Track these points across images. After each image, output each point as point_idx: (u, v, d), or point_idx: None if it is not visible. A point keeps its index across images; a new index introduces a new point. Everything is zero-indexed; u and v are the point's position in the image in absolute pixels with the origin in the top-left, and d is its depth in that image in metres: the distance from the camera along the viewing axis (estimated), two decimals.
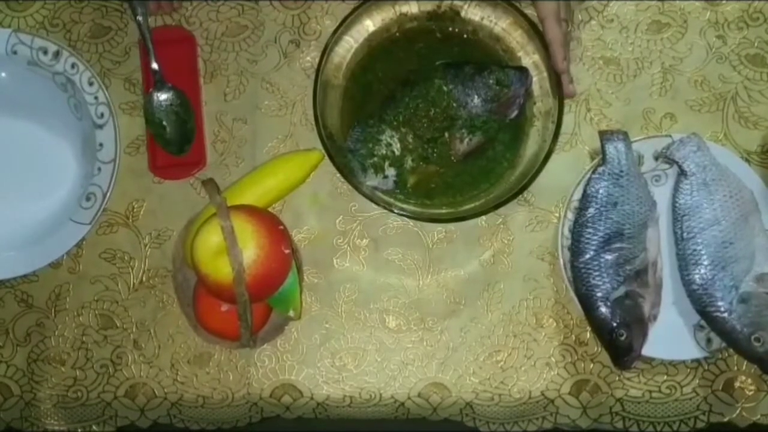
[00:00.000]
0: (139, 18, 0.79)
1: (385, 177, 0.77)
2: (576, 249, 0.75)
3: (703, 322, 0.75)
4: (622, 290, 0.73)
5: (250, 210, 0.73)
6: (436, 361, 0.79)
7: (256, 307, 0.72)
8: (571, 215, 0.76)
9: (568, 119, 0.78)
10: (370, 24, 0.79)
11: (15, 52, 0.80)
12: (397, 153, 0.77)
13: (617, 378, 0.77)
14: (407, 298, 0.80)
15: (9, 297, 0.81)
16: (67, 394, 0.80)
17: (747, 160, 0.79)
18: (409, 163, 0.77)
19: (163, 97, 0.80)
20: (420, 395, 0.79)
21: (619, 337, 0.72)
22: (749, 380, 0.77)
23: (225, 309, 0.73)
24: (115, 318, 0.81)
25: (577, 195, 0.77)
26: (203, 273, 0.71)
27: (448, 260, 0.80)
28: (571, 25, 0.78)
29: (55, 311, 0.81)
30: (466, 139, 0.77)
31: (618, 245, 0.74)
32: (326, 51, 0.75)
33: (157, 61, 0.80)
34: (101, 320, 0.81)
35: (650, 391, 0.77)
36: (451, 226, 0.80)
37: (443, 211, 0.76)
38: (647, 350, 0.74)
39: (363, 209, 0.81)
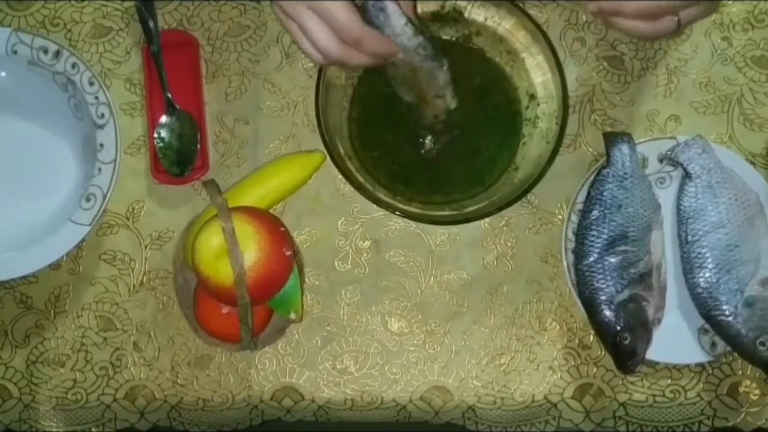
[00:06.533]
0: (154, 48, 0.80)
1: None
2: (580, 252, 0.74)
3: (707, 326, 0.74)
4: (626, 293, 0.72)
5: (251, 211, 0.73)
6: (439, 364, 0.78)
7: (257, 310, 0.72)
8: (575, 217, 0.76)
9: (572, 120, 0.78)
10: None
11: (15, 52, 0.79)
12: None
13: (621, 382, 0.77)
14: (409, 300, 0.79)
15: (8, 298, 0.81)
16: (66, 396, 0.80)
17: (752, 163, 0.78)
18: None
19: (174, 122, 0.80)
20: (422, 398, 0.78)
21: (622, 341, 0.72)
22: (754, 384, 0.76)
23: (226, 311, 0.73)
24: (114, 320, 0.80)
25: (581, 197, 0.76)
26: (204, 275, 0.70)
27: (451, 262, 0.79)
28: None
29: (54, 313, 0.81)
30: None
31: (622, 248, 0.73)
32: None
33: (169, 91, 0.80)
34: (101, 322, 0.80)
35: (654, 396, 0.77)
36: (454, 228, 0.79)
37: (446, 213, 0.76)
38: (651, 354, 0.73)
39: (365, 211, 0.80)
